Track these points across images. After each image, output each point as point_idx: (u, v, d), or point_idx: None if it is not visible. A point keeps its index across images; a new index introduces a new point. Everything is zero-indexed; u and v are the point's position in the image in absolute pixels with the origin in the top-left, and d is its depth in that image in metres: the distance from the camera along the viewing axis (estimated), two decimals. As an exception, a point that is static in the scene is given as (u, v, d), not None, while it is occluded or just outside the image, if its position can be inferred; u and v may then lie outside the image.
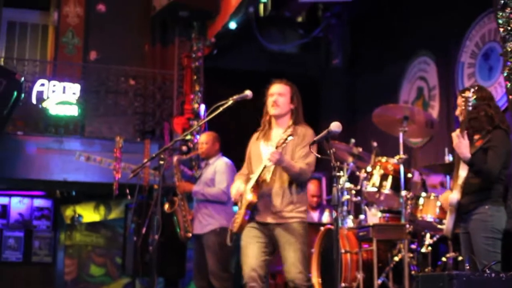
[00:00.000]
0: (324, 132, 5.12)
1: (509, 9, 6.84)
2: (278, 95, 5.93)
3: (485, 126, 5.51)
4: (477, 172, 5.35)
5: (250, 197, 5.68)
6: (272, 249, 5.85)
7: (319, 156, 5.38)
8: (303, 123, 5.96)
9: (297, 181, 5.78)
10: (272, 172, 5.76)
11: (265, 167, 5.65)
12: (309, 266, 7.99)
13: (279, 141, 5.50)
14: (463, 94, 5.53)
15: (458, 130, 5.34)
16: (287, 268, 5.72)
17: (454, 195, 5.45)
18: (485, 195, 5.40)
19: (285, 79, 6.08)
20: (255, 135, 6.12)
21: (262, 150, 5.91)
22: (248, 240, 5.81)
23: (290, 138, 5.48)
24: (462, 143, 5.29)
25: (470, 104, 5.32)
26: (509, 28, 6.79)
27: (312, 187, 9.67)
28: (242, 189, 5.82)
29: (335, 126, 5.07)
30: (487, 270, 4.89)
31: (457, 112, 5.65)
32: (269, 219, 5.75)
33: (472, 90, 5.41)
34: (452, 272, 4.78)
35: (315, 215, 9.59)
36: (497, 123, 5.52)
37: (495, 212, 5.36)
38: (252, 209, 5.74)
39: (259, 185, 5.73)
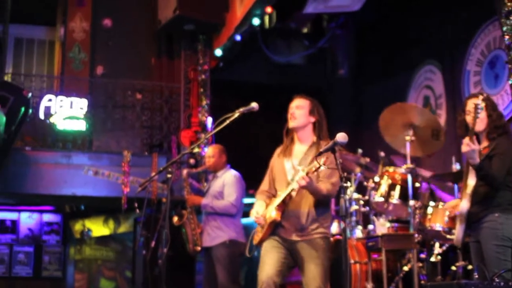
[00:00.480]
0: (330, 143, 5.12)
1: (513, 16, 6.86)
2: (296, 108, 5.93)
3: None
4: (483, 177, 5.35)
5: (274, 214, 5.66)
6: (292, 262, 5.80)
7: (324, 166, 5.36)
8: (328, 139, 5.92)
9: (323, 201, 5.79)
10: (297, 191, 5.74)
11: (292, 189, 5.64)
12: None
13: (310, 168, 5.45)
14: (474, 102, 5.52)
15: (467, 138, 5.34)
16: (306, 282, 5.66)
17: (463, 204, 5.45)
18: (495, 203, 5.40)
19: (306, 95, 6.08)
20: (277, 151, 6.09)
21: (286, 167, 5.88)
22: (267, 249, 5.78)
23: (323, 168, 5.44)
24: (474, 149, 5.29)
25: (479, 111, 5.33)
26: (513, 35, 6.81)
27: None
28: (261, 212, 5.82)
29: (341, 137, 5.07)
30: (496, 278, 4.89)
31: (468, 119, 5.63)
32: (294, 237, 5.73)
33: (481, 97, 5.41)
34: (461, 281, 4.78)
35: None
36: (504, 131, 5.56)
37: (505, 220, 5.36)
38: (275, 225, 5.74)
39: (287, 203, 5.72)
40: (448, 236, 6.69)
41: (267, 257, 5.77)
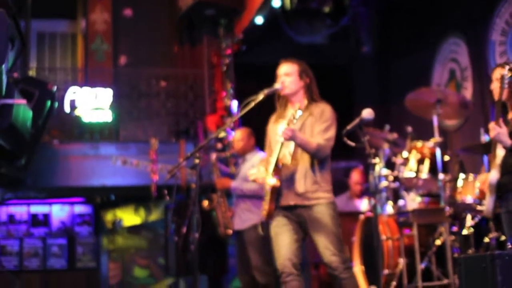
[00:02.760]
0: (356, 120, 5.11)
1: (536, -17, 6.78)
2: (285, 75, 5.92)
3: None
4: None
5: (273, 181, 5.63)
6: (303, 234, 5.78)
7: (353, 145, 5.35)
8: (320, 100, 5.92)
9: (317, 158, 5.72)
10: (292, 153, 5.74)
11: (281, 147, 5.62)
12: (351, 254, 8.02)
13: (289, 118, 5.50)
14: (500, 72, 5.44)
15: (493, 122, 5.27)
16: (321, 252, 5.67)
17: (493, 175, 5.39)
18: (525, 173, 5.35)
19: (294, 59, 6.07)
20: (272, 118, 6.11)
21: (279, 130, 5.89)
22: (277, 230, 5.77)
23: (299, 112, 5.47)
24: (501, 132, 5.22)
25: (506, 81, 5.25)
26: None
27: (355, 175, 9.64)
28: (261, 172, 5.81)
29: (367, 113, 5.06)
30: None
31: (493, 86, 5.57)
32: (293, 201, 5.70)
33: (508, 67, 5.31)
34: (495, 252, 4.75)
35: (359, 203, 9.54)
36: None
37: (535, 189, 5.31)
38: (277, 193, 5.72)
39: (280, 168, 5.69)
40: (479, 207, 6.65)
41: (279, 239, 5.76)
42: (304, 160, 5.72)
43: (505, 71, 5.25)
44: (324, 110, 5.80)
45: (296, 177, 5.72)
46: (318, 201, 5.69)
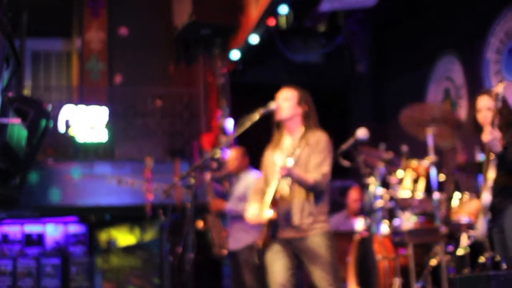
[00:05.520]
0: (351, 140, 5.10)
1: (531, 3, 6.80)
2: (282, 100, 5.91)
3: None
4: (507, 164, 5.29)
5: (270, 214, 5.63)
6: (297, 262, 5.78)
7: (348, 165, 5.34)
8: (317, 129, 5.90)
9: (314, 192, 5.74)
10: (290, 185, 5.72)
11: (280, 180, 5.61)
12: (346, 275, 7.98)
13: (289, 151, 5.49)
14: (495, 90, 5.44)
15: (489, 126, 5.28)
16: (317, 282, 5.65)
17: (485, 197, 5.38)
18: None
19: (294, 85, 6.06)
20: (269, 146, 6.09)
21: (276, 161, 5.87)
22: (272, 256, 5.75)
23: (297, 151, 5.46)
24: (494, 137, 5.22)
25: (500, 99, 5.25)
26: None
27: (353, 192, 9.60)
28: (257, 213, 5.79)
29: (362, 133, 5.07)
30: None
31: (480, 116, 5.58)
32: (291, 234, 5.70)
33: (503, 85, 5.32)
34: (490, 272, 4.74)
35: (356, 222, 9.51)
36: None
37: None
38: (274, 225, 5.70)
39: (278, 200, 5.67)
40: (472, 232, 6.62)
41: (274, 265, 5.74)
42: (301, 192, 5.71)
43: (500, 89, 5.25)
44: (319, 140, 5.78)
45: (292, 209, 5.71)
46: (313, 231, 5.68)
